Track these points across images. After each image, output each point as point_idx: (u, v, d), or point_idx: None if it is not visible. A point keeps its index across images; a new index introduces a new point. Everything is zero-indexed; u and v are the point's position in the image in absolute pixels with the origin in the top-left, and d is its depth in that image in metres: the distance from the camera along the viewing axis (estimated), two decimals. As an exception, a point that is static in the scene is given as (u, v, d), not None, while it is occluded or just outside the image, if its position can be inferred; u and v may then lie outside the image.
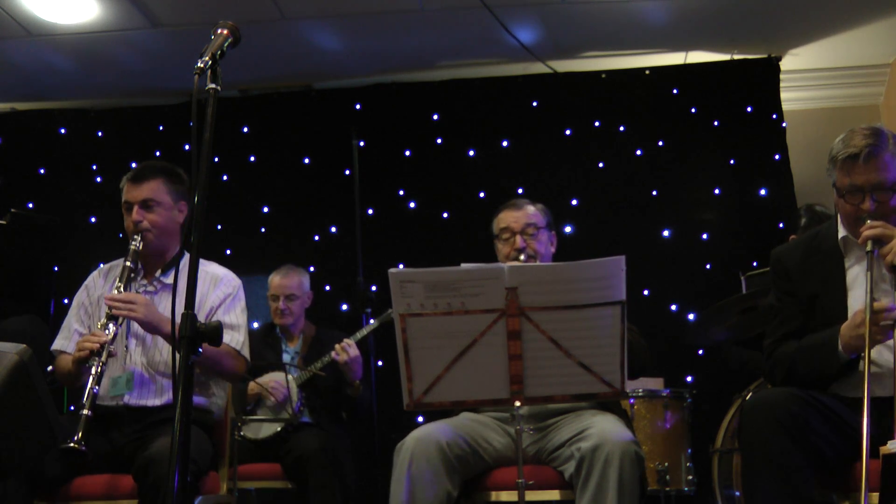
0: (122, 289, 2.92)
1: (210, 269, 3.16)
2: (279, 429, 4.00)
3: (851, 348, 2.50)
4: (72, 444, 2.58)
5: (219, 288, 3.11)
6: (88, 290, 3.18)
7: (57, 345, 3.10)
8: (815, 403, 2.46)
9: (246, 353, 3.08)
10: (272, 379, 4.12)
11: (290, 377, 4.10)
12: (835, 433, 2.44)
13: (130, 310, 2.83)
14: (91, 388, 2.71)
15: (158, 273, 3.11)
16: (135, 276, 3.05)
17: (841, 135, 2.62)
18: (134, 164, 5.76)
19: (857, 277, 2.64)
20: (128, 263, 2.97)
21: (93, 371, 2.74)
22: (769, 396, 2.53)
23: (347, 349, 4.10)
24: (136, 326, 2.96)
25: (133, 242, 3.01)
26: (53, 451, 2.61)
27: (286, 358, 4.35)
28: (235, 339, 3.04)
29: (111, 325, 2.83)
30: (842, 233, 2.69)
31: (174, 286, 2.06)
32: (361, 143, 5.33)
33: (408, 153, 5.72)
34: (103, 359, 2.76)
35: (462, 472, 2.73)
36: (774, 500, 2.35)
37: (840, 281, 2.65)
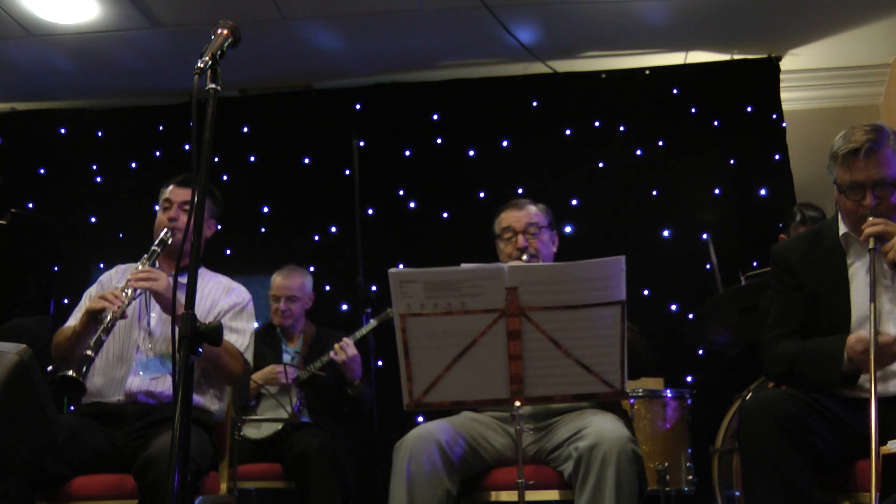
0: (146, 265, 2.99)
1: (223, 281, 3.26)
2: (279, 428, 4.00)
3: (856, 363, 2.47)
4: (71, 373, 2.61)
5: (230, 295, 3.19)
6: (102, 283, 3.25)
7: (68, 324, 3.14)
8: (814, 404, 2.46)
9: (249, 357, 3.13)
10: (275, 367, 4.14)
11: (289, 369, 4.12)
12: (834, 433, 2.44)
13: (153, 281, 2.88)
14: (100, 336, 2.74)
15: (172, 273, 3.15)
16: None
17: (841, 132, 2.62)
18: (134, 165, 5.85)
19: (857, 274, 2.64)
20: (157, 248, 3.03)
21: (105, 321, 2.77)
22: (768, 397, 2.53)
23: (345, 348, 4.10)
24: (151, 323, 3.04)
25: (165, 233, 3.08)
26: (53, 451, 2.62)
27: (286, 358, 4.35)
28: (240, 342, 3.09)
29: (129, 290, 2.88)
30: (843, 230, 2.69)
31: (174, 285, 2.07)
32: (361, 143, 5.33)
33: (408, 153, 5.72)
34: (116, 313, 2.80)
35: (462, 471, 2.73)
36: (773, 501, 2.35)
37: (843, 278, 2.65)
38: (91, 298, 3.19)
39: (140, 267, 2.99)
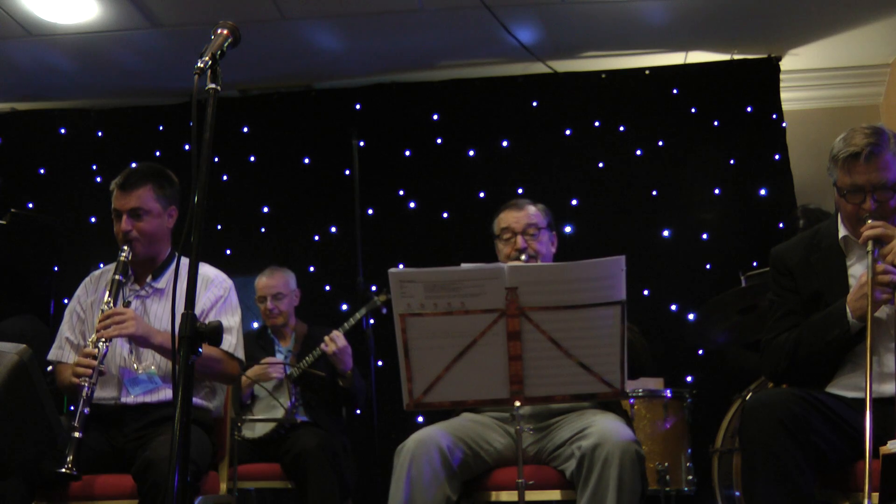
0: (111, 303, 2.91)
1: (201, 271, 3.10)
2: (274, 426, 4.00)
3: (859, 312, 2.50)
4: (64, 470, 2.60)
5: (210, 290, 3.10)
6: (80, 299, 3.18)
7: (52, 355, 3.12)
8: (815, 403, 2.46)
9: (240, 354, 3.08)
10: (265, 366, 4.15)
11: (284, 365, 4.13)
12: (835, 433, 2.44)
13: (121, 327, 2.82)
14: (81, 410, 2.71)
15: (150, 279, 3.11)
16: (125, 283, 3.04)
17: (842, 134, 2.62)
18: (134, 165, 5.82)
19: (858, 277, 2.63)
20: (117, 277, 2.96)
21: (83, 393, 2.74)
22: (770, 396, 2.53)
23: (336, 339, 4.13)
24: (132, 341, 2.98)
25: (122, 253, 3.00)
26: (53, 451, 2.62)
27: (279, 357, 4.36)
28: (228, 341, 3.02)
29: (100, 343, 2.83)
30: (842, 232, 2.69)
31: (174, 289, 2.06)
32: (361, 143, 5.33)
33: (408, 153, 5.72)
34: (93, 380, 2.77)
35: (462, 476, 2.73)
36: (775, 500, 2.35)
37: (843, 279, 2.65)
38: (71, 315, 3.15)
39: (106, 299, 2.91)
